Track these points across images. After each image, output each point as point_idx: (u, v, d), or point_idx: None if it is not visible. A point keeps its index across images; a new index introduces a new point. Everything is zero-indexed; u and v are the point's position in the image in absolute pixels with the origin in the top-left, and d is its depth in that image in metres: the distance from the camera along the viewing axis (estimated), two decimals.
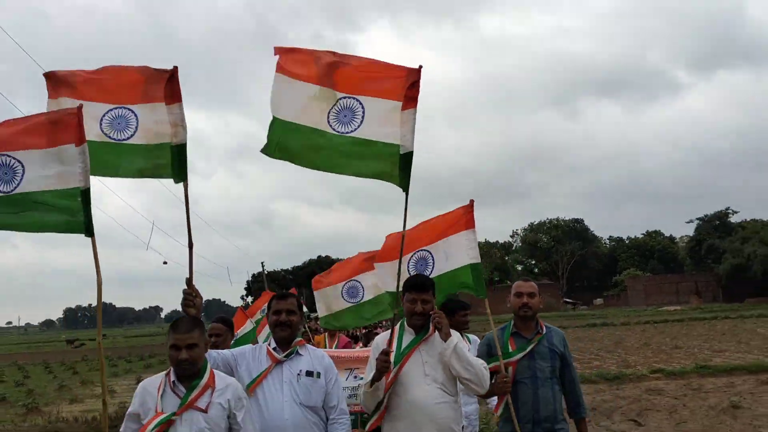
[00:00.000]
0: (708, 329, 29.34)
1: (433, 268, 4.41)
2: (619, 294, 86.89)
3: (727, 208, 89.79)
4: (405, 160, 3.70)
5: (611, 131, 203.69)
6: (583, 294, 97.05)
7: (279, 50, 3.84)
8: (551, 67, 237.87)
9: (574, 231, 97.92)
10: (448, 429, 3.46)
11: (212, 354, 3.46)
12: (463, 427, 3.77)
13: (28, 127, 3.40)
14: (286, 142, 3.81)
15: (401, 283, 3.82)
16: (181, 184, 3.61)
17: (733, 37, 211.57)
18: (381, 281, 4.87)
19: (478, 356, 3.91)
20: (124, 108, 3.59)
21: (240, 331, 8.58)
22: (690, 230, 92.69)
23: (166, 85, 3.56)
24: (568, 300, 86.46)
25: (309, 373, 3.49)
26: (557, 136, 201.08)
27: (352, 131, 3.77)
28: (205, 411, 3.02)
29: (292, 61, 3.81)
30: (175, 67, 3.60)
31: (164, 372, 3.17)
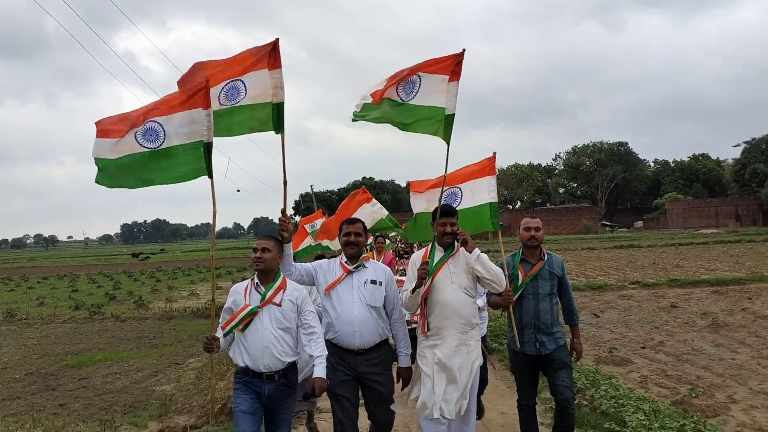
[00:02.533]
0: (724, 252, 31.33)
1: (461, 201, 5.46)
2: (659, 217, 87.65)
3: None
4: (448, 120, 4.46)
5: (657, 44, 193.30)
6: (625, 217, 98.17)
7: (374, 94, 4.64)
8: None
9: (618, 154, 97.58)
10: (469, 321, 4.25)
11: (297, 266, 4.27)
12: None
13: (169, 99, 4.17)
14: (369, 113, 4.61)
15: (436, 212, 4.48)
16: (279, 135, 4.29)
17: None
18: (418, 204, 5.77)
19: None
20: (238, 80, 4.26)
21: (302, 245, 9.85)
22: (738, 153, 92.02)
23: (270, 54, 4.21)
24: (606, 223, 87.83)
25: (373, 282, 4.28)
26: (599, 50, 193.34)
27: (411, 99, 4.57)
28: (279, 305, 3.83)
29: (378, 94, 4.62)
30: (277, 39, 4.24)
31: (250, 278, 4.02)
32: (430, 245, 4.44)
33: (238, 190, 53.08)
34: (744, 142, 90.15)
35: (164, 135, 4.12)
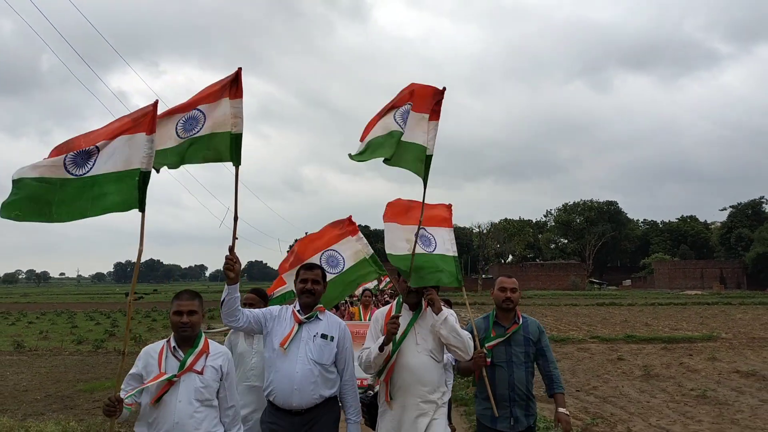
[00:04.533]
0: (697, 313, 32.62)
1: (435, 246, 4.79)
2: (646, 276, 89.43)
3: (761, 198, 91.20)
4: (428, 161, 4.40)
5: (646, 105, 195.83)
6: (615, 275, 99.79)
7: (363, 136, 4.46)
8: (575, 36, 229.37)
9: (608, 213, 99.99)
10: (433, 388, 3.95)
11: (245, 311, 3.87)
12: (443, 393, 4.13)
13: (114, 124, 3.75)
14: (371, 149, 4.38)
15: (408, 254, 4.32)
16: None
17: None
18: (397, 242, 4.78)
19: None
20: (197, 110, 3.97)
21: (278, 291, 10.40)
22: (725, 217, 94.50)
23: (231, 84, 3.99)
24: (594, 280, 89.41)
25: (323, 336, 3.91)
26: (588, 109, 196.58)
27: (403, 133, 4.40)
28: (201, 373, 3.38)
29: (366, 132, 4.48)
30: (239, 69, 4.04)
31: (165, 339, 3.55)
32: (395, 302, 4.18)
33: (237, 238, 53.32)
34: (730, 207, 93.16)
35: (94, 161, 3.62)
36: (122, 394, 3.34)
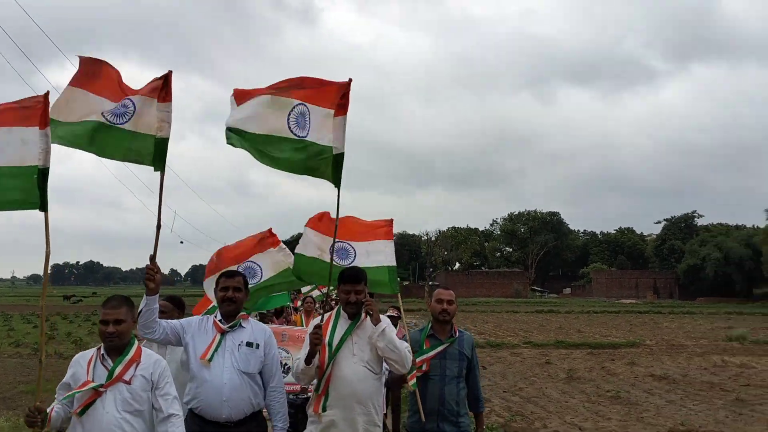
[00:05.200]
0: (627, 321, 34.28)
1: (354, 259, 4.96)
2: (584, 285, 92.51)
3: (693, 212, 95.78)
4: (337, 161, 4.05)
5: (588, 119, 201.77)
6: (556, 283, 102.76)
7: (237, 92, 4.26)
8: (520, 49, 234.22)
9: (551, 223, 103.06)
10: (368, 401, 3.77)
11: (162, 323, 3.69)
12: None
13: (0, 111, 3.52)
14: (247, 144, 4.22)
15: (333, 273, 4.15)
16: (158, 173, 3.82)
17: (708, 28, 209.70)
18: (309, 245, 5.07)
19: None
20: (128, 99, 3.84)
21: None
22: (659, 229, 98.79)
23: (161, 86, 3.82)
24: (535, 288, 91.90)
25: (249, 344, 3.80)
26: (534, 121, 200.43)
27: (305, 136, 4.13)
28: (129, 383, 3.25)
29: (247, 93, 4.26)
30: (170, 71, 3.88)
31: (96, 346, 3.41)
32: (334, 311, 4.04)
33: (182, 242, 53.38)
34: (665, 219, 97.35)
35: None
36: (54, 405, 3.28)
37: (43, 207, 3.50)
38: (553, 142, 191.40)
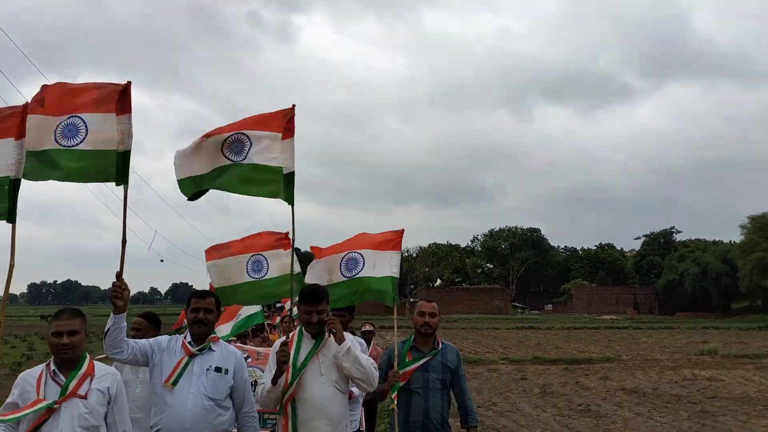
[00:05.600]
0: (606, 337, 34.70)
1: (362, 268, 5.10)
2: (566, 301, 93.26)
3: (672, 228, 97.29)
4: (288, 179, 4.22)
5: (564, 136, 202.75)
6: (538, 299, 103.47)
7: (179, 153, 4.44)
8: (497, 67, 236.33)
9: (531, 240, 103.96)
10: (338, 422, 3.70)
11: (130, 342, 3.58)
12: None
13: None
14: (198, 185, 4.39)
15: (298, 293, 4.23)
16: (122, 186, 3.76)
17: (681, 47, 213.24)
18: (320, 276, 5.23)
19: (379, 365, 4.16)
20: (76, 117, 3.71)
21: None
22: (639, 245, 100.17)
23: (119, 98, 3.73)
24: (516, 304, 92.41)
25: (218, 369, 3.67)
26: (512, 138, 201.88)
27: (243, 159, 4.26)
28: (84, 398, 3.13)
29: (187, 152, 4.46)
30: (129, 82, 3.80)
31: (44, 363, 3.26)
32: (296, 330, 3.95)
33: (162, 260, 53.28)
34: (644, 235, 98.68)
35: None
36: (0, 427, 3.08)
37: (11, 218, 3.45)
38: (531, 159, 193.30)
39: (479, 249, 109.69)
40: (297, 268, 5.78)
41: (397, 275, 5.05)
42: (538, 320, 60.71)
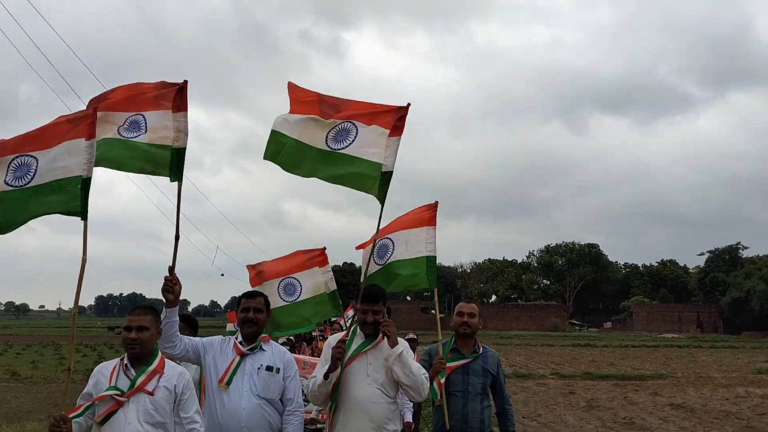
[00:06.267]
0: (664, 354, 34.15)
1: (392, 253, 4.82)
2: (625, 319, 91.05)
3: (738, 243, 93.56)
4: (384, 179, 4.06)
5: (622, 148, 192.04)
6: (597, 317, 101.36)
7: (291, 85, 4.36)
8: (549, 78, 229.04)
9: (589, 256, 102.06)
10: (382, 426, 3.62)
11: (183, 339, 3.69)
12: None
13: (48, 129, 3.67)
14: (288, 155, 4.24)
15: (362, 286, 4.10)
16: (175, 183, 3.84)
17: (744, 55, 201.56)
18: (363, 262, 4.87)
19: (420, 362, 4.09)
20: (139, 114, 3.87)
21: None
22: (703, 261, 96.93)
23: (175, 96, 3.89)
24: (574, 321, 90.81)
25: (269, 368, 3.71)
26: (567, 151, 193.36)
27: (343, 148, 4.16)
28: (151, 394, 3.21)
29: (300, 102, 4.32)
30: (185, 81, 3.93)
31: (120, 357, 3.39)
32: (350, 329, 3.92)
33: (222, 275, 54.51)
34: (708, 252, 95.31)
35: (35, 171, 3.58)
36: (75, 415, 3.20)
37: (84, 216, 3.56)
38: (587, 172, 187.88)
39: (535, 265, 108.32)
40: (332, 287, 5.76)
41: (433, 253, 4.74)
42: (596, 338, 59.61)
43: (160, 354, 3.39)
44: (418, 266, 4.72)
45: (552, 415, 12.34)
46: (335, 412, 3.70)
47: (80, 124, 3.57)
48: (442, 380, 4.13)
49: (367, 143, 4.16)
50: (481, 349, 4.29)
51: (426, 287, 4.73)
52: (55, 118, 3.73)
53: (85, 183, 3.50)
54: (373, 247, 4.57)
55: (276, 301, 5.55)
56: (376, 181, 4.10)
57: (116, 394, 3.16)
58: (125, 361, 3.31)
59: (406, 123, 4.18)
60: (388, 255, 4.87)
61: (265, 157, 4.28)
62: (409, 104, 4.22)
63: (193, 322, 4.93)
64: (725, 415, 12.44)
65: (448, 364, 4.17)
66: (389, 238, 4.89)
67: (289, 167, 4.30)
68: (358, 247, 5.23)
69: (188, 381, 3.39)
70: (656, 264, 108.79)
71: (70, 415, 3.12)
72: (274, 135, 4.26)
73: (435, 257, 4.70)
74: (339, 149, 4.19)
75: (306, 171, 4.30)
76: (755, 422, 11.59)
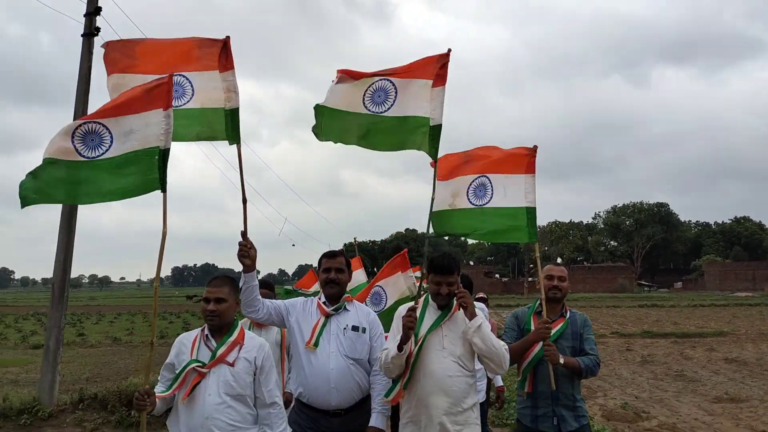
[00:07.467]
0: (731, 313, 33.73)
1: (491, 198, 4.39)
2: (696, 279, 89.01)
3: None
4: (434, 132, 3.91)
5: (689, 101, 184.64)
6: (667, 277, 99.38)
7: (341, 71, 4.12)
8: (606, 31, 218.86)
9: (659, 215, 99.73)
10: (459, 400, 3.43)
11: (266, 302, 3.69)
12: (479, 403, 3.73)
13: (123, 99, 3.56)
14: (329, 126, 4.09)
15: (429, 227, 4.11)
16: (234, 146, 3.76)
17: None
18: (444, 200, 4.44)
19: (506, 328, 4.11)
20: (181, 76, 3.72)
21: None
22: None
23: (219, 54, 3.74)
24: (642, 282, 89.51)
25: (355, 328, 3.68)
26: (629, 106, 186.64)
27: (385, 111, 3.99)
28: (232, 365, 3.18)
29: (348, 74, 4.12)
30: (228, 37, 3.76)
31: (200, 327, 3.36)
32: (422, 299, 3.71)
33: (294, 245, 56.53)
34: None
35: (111, 141, 3.50)
36: (158, 386, 3.25)
37: (164, 188, 3.48)
38: (652, 128, 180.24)
39: (602, 226, 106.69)
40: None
41: (534, 204, 4.33)
42: (664, 298, 58.85)
43: (239, 325, 3.38)
44: (519, 218, 4.34)
45: (607, 370, 13.19)
46: (410, 387, 3.49)
47: (155, 93, 3.50)
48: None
49: (409, 98, 4.01)
50: (569, 312, 4.13)
51: (526, 240, 4.42)
52: (131, 88, 3.64)
53: (164, 154, 3.45)
54: (464, 185, 4.36)
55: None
56: (426, 136, 3.95)
57: (198, 366, 3.16)
58: (206, 332, 3.30)
59: (452, 78, 3.95)
60: (487, 199, 4.41)
61: (313, 131, 4.18)
62: (449, 50, 4.05)
63: (270, 285, 5.02)
64: None
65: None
66: (487, 178, 4.43)
67: (333, 138, 4.19)
68: (439, 175, 4.33)
69: (268, 353, 3.33)
70: (729, 221, 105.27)
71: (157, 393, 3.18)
72: (318, 109, 4.11)
73: (535, 208, 4.33)
74: (381, 112, 4.03)
75: (350, 139, 4.16)
76: None
